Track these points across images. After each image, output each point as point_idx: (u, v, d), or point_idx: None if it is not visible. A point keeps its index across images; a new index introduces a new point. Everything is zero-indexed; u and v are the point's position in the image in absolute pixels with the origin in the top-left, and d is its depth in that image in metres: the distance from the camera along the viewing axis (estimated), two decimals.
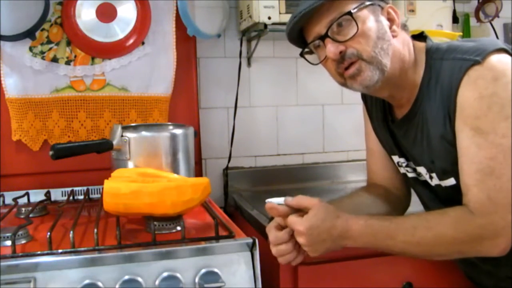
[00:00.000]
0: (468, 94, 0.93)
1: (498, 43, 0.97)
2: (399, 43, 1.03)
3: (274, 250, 1.01)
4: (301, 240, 0.96)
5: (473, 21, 2.02)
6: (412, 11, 1.75)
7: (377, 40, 0.99)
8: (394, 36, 1.02)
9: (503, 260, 0.95)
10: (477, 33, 2.02)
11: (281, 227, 1.01)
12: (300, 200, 0.99)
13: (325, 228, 0.95)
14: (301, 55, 1.08)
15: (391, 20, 1.03)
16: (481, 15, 1.99)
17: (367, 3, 1.00)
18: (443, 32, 1.74)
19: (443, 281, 1.24)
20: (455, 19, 1.91)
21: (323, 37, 1.00)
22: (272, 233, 1.01)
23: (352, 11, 0.98)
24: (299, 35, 1.06)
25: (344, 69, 1.00)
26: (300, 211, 0.99)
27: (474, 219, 0.92)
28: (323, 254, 0.98)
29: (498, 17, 1.98)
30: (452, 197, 1.02)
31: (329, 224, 0.96)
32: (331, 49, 0.98)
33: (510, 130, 0.90)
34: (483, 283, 1.14)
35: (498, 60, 0.93)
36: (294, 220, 0.97)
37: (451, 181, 1.03)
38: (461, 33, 1.87)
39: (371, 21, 0.99)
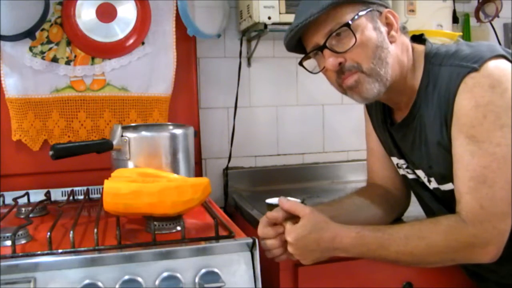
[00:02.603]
0: (465, 102, 0.93)
1: (496, 49, 0.96)
2: (398, 48, 1.03)
3: (261, 243, 1.03)
4: (290, 249, 0.99)
5: (473, 21, 2.02)
6: (412, 11, 1.75)
7: (375, 50, 0.98)
8: (392, 42, 1.01)
9: (505, 258, 0.95)
10: (477, 33, 2.02)
11: (272, 224, 1.02)
12: (293, 206, 1.00)
13: (312, 240, 0.97)
14: (300, 64, 1.07)
15: (389, 25, 1.02)
16: (481, 15, 1.99)
17: (365, 11, 0.99)
18: (443, 32, 1.74)
19: (443, 281, 1.24)
20: (455, 19, 1.91)
21: (321, 48, 1.00)
22: (260, 228, 1.03)
23: (350, 22, 0.97)
24: (298, 42, 1.06)
25: (343, 79, 1.00)
26: (297, 216, 1.00)
27: (466, 228, 0.93)
28: (314, 262, 1.00)
29: (498, 17, 1.97)
30: (452, 200, 1.02)
31: (316, 235, 0.97)
32: (330, 61, 0.98)
33: (505, 139, 0.90)
34: (486, 279, 1.15)
35: (495, 67, 0.93)
36: (287, 229, 0.99)
37: (449, 186, 1.03)
38: (461, 33, 1.87)
39: (369, 30, 0.99)
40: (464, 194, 0.94)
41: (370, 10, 1.00)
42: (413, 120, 1.05)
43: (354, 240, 0.97)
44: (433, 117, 1.00)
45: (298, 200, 1.35)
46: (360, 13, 0.98)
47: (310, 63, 1.07)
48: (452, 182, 1.01)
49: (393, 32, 1.02)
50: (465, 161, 0.94)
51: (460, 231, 0.93)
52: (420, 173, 1.10)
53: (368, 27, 0.99)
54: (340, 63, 0.99)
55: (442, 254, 0.95)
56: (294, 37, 1.02)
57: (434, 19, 1.77)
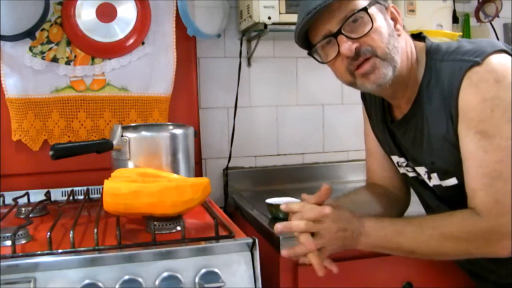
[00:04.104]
0: (471, 98, 0.93)
1: (497, 44, 0.97)
2: (403, 41, 1.04)
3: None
4: (323, 224, 0.95)
5: (473, 21, 2.02)
6: (412, 11, 1.75)
7: (389, 38, 0.99)
8: (398, 35, 1.03)
9: (504, 259, 0.95)
10: (477, 33, 2.02)
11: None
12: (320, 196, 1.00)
13: (347, 217, 0.97)
14: (310, 54, 1.07)
15: (394, 19, 1.04)
16: (481, 15, 1.99)
17: (375, 2, 1.01)
18: (443, 32, 1.74)
19: (443, 281, 1.24)
20: (455, 19, 1.91)
21: (335, 35, 0.99)
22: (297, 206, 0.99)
23: (367, 7, 0.98)
24: (303, 36, 1.06)
25: (356, 66, 0.99)
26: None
27: (480, 220, 0.93)
28: (337, 248, 0.97)
29: (498, 17, 1.98)
30: (452, 197, 1.03)
31: (349, 214, 0.98)
32: (346, 45, 0.98)
33: None
34: (485, 279, 1.15)
35: (498, 61, 0.93)
36: (318, 207, 0.97)
37: (452, 181, 1.03)
38: (461, 33, 1.87)
39: (380, 19, 1.00)
40: (478, 191, 0.94)
41: (378, 2, 1.02)
42: (414, 116, 1.06)
43: (374, 223, 0.98)
44: (436, 112, 1.00)
45: (298, 201, 1.35)
46: (372, 3, 1.00)
47: (316, 56, 1.07)
48: (456, 177, 1.01)
49: (398, 26, 1.04)
50: (478, 158, 0.93)
51: (474, 223, 0.93)
52: (420, 170, 1.11)
53: (379, 17, 1.00)
54: (356, 48, 0.98)
55: (456, 244, 0.95)
56: (307, 23, 1.00)
57: (434, 19, 1.77)
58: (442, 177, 1.05)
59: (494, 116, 0.91)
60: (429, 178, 1.09)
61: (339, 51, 0.99)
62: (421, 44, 1.07)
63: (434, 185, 1.09)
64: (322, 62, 1.06)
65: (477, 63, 0.93)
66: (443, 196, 1.09)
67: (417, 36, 1.11)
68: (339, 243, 0.97)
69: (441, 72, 1.00)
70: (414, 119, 1.06)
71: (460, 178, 0.99)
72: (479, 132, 0.93)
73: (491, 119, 0.92)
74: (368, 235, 0.97)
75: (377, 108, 1.19)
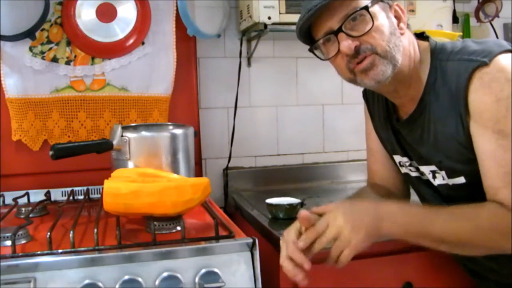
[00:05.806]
0: (485, 98, 0.93)
1: (504, 45, 0.97)
2: (406, 40, 1.04)
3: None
4: (339, 221, 0.92)
5: (473, 21, 2.02)
6: (412, 11, 1.75)
7: (390, 36, 0.99)
8: (401, 34, 1.03)
9: (506, 258, 0.95)
10: (477, 33, 2.02)
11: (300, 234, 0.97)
12: (319, 208, 0.98)
13: (360, 207, 0.96)
14: (310, 50, 1.07)
15: (398, 18, 1.04)
16: (481, 15, 1.99)
17: (378, 0, 1.01)
18: (443, 32, 1.74)
19: (443, 281, 1.24)
20: (455, 19, 1.91)
21: (335, 32, 1.00)
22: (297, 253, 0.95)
23: (369, 5, 0.98)
24: (306, 32, 1.06)
25: (356, 63, 1.00)
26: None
27: (508, 215, 0.92)
28: (365, 238, 0.93)
29: (498, 17, 1.98)
30: (457, 196, 1.02)
31: (363, 204, 0.97)
32: (346, 43, 0.98)
33: None
34: (486, 278, 1.15)
35: (507, 61, 0.93)
36: (326, 208, 0.96)
37: (460, 180, 1.03)
38: (461, 33, 1.87)
39: (383, 18, 1.00)
40: (502, 189, 0.93)
41: (381, 1, 1.02)
42: (420, 115, 1.06)
43: (399, 209, 0.96)
44: (444, 111, 1.00)
45: (298, 200, 1.35)
46: (374, 1, 1.00)
47: (317, 52, 1.07)
48: (464, 176, 1.01)
49: (401, 24, 1.04)
50: (498, 157, 0.93)
51: (503, 217, 0.92)
52: (425, 169, 1.10)
53: (382, 15, 1.00)
54: (355, 47, 0.98)
55: (488, 236, 0.93)
56: (309, 19, 1.01)
57: (434, 19, 1.77)
58: (450, 176, 1.05)
59: (509, 115, 0.92)
60: (434, 177, 1.09)
61: (339, 49, 1.00)
62: (425, 44, 1.07)
63: (439, 184, 1.09)
64: (323, 59, 1.07)
65: (485, 64, 0.93)
66: (447, 196, 1.08)
67: (420, 36, 1.11)
68: (361, 234, 0.92)
69: (447, 72, 1.00)
70: (420, 117, 1.06)
71: (469, 177, 0.99)
72: (496, 132, 0.93)
73: (506, 118, 0.92)
74: (392, 220, 0.94)
75: (380, 108, 1.19)
